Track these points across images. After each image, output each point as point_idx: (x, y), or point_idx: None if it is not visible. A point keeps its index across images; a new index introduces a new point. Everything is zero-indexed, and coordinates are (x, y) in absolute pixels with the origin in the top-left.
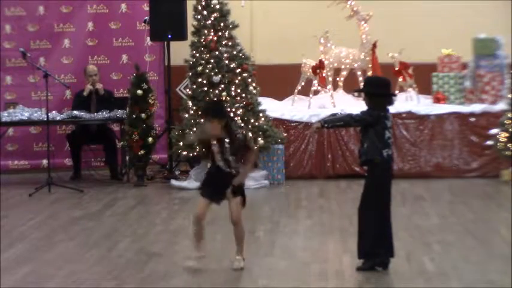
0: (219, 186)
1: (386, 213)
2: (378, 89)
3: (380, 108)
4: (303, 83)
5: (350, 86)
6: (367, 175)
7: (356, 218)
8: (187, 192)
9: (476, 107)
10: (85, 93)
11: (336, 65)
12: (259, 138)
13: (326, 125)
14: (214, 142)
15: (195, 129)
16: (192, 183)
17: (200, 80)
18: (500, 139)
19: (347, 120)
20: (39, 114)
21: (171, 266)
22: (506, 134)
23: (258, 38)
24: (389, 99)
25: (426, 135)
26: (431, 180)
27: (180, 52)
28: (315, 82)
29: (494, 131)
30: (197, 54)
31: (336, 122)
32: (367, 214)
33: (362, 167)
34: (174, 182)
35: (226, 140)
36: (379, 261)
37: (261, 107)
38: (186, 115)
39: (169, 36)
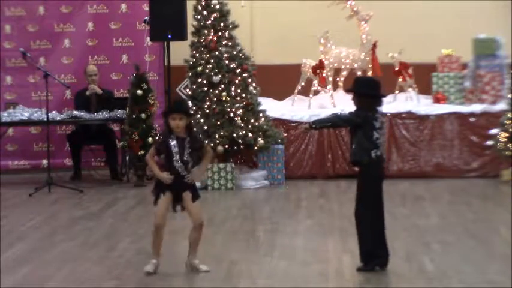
0: (177, 192)
1: (379, 213)
2: (366, 89)
3: (368, 109)
4: (303, 83)
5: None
6: (357, 176)
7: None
8: None
9: (476, 107)
10: (88, 93)
11: (336, 65)
12: (259, 138)
13: (314, 126)
14: (174, 142)
15: (194, 129)
16: None
17: (200, 80)
18: (500, 139)
19: (335, 121)
20: (39, 114)
21: (171, 266)
22: (506, 134)
23: (258, 38)
24: (377, 100)
25: (426, 135)
26: (431, 180)
27: (180, 52)
28: (315, 82)
29: (494, 131)
30: (197, 55)
31: (324, 123)
32: (362, 216)
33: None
34: None
35: (188, 140)
36: (379, 261)
37: (261, 107)
38: None
39: (169, 36)
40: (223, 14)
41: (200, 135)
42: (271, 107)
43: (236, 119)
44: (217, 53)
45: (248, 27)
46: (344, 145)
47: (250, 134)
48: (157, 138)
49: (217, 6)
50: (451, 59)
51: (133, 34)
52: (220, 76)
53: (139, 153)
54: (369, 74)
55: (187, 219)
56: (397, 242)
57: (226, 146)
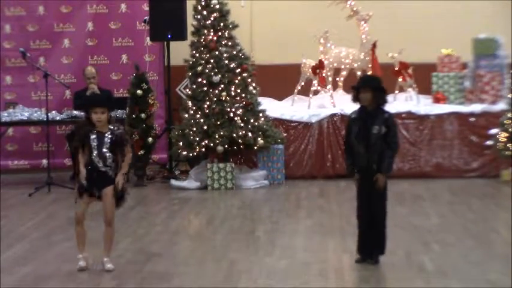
0: (96, 185)
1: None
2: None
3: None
4: (302, 83)
5: (350, 86)
6: None
7: (354, 218)
8: (187, 192)
9: (476, 107)
10: (88, 94)
11: (335, 65)
12: (259, 138)
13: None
14: (94, 136)
15: (194, 129)
16: (191, 183)
17: (200, 79)
18: (500, 139)
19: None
20: (39, 114)
21: (171, 266)
22: (506, 134)
23: (257, 38)
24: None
25: (426, 135)
26: (431, 180)
27: (180, 52)
28: (315, 82)
29: (494, 131)
30: (197, 54)
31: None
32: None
33: None
34: (173, 182)
35: (107, 135)
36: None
37: (260, 107)
38: (186, 115)
39: (169, 36)
40: (223, 14)
41: (121, 131)
42: (271, 107)
43: (236, 118)
44: (217, 52)
45: (248, 27)
46: (344, 145)
47: (250, 134)
48: (76, 132)
49: (217, 6)
50: (451, 59)
51: (133, 34)
52: (220, 76)
53: (139, 153)
54: (369, 74)
55: (187, 218)
56: (397, 242)
57: (226, 146)
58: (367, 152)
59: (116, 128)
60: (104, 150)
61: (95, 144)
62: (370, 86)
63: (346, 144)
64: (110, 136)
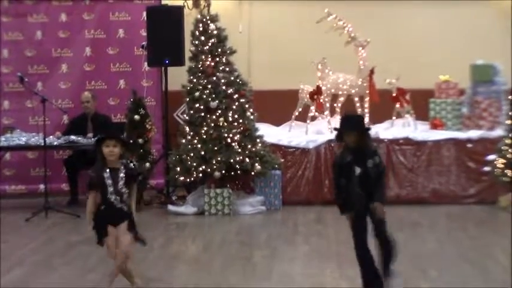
0: (112, 222)
1: None
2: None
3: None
4: (300, 109)
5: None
6: None
7: (352, 244)
8: (184, 217)
9: (474, 133)
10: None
11: (333, 91)
12: (256, 164)
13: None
14: (107, 173)
15: (192, 154)
16: (189, 208)
17: (197, 105)
18: (497, 165)
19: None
20: (36, 139)
21: None
22: (504, 160)
23: (255, 63)
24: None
25: (423, 161)
26: (428, 206)
27: (178, 77)
28: (312, 108)
29: (491, 157)
30: (194, 80)
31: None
32: None
33: None
34: (171, 207)
35: (121, 169)
36: None
37: (258, 133)
38: (183, 140)
39: (167, 61)
40: (221, 40)
41: (134, 167)
42: (269, 133)
43: (233, 144)
44: (214, 78)
45: (246, 52)
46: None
47: (247, 160)
48: (90, 172)
49: (215, 32)
50: (449, 85)
51: (131, 59)
52: (217, 102)
53: None
54: (366, 100)
55: (184, 244)
56: (394, 268)
57: (223, 171)
58: (355, 190)
59: (127, 162)
60: (120, 186)
61: (110, 181)
62: (355, 129)
63: (335, 186)
64: (124, 171)
